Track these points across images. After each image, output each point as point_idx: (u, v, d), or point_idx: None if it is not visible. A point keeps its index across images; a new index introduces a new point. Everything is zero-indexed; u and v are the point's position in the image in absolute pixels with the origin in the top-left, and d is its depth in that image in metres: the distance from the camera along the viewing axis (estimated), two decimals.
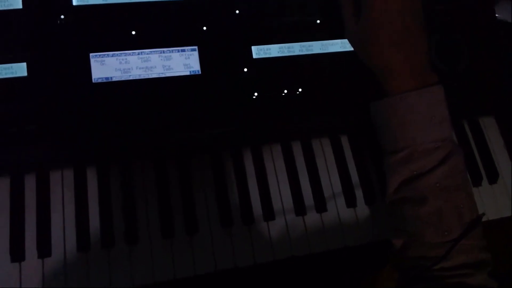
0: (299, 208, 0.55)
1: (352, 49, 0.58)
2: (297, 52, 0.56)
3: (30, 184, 0.51)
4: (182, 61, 0.53)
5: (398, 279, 0.49)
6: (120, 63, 0.52)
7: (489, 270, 0.45)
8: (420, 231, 0.45)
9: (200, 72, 0.53)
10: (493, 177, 0.62)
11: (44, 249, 0.49)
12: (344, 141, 0.59)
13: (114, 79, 0.52)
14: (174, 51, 0.53)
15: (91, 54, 0.51)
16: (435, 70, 0.50)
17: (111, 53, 0.52)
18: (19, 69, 0.50)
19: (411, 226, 0.46)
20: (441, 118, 0.46)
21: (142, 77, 0.52)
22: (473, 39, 0.60)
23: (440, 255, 0.44)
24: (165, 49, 0.53)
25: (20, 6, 0.50)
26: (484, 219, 0.57)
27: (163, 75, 0.53)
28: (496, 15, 0.65)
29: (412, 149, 0.45)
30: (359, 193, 0.58)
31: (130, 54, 0.52)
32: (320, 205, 0.56)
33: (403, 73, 0.47)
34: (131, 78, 0.52)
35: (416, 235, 0.46)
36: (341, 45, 0.57)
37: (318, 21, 0.57)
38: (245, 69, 0.54)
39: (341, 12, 0.51)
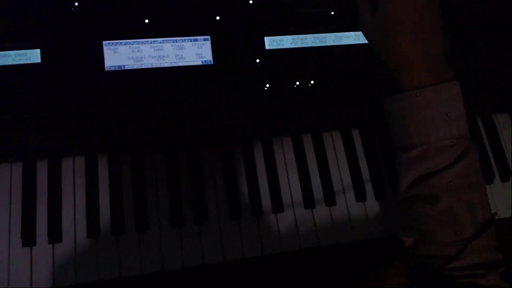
0: (308, 201, 0.55)
1: (366, 42, 0.57)
2: (310, 44, 0.56)
3: (42, 170, 0.51)
4: (195, 51, 0.53)
5: (409, 277, 0.49)
6: (133, 51, 0.52)
7: (501, 270, 0.44)
8: (431, 230, 0.45)
9: (212, 62, 0.53)
10: (506, 175, 0.61)
11: (55, 235, 0.49)
12: (355, 135, 0.59)
13: (126, 68, 0.52)
14: (186, 40, 0.53)
15: (104, 42, 0.51)
16: (449, 65, 0.49)
17: (124, 41, 0.52)
18: (33, 56, 0.50)
19: (422, 225, 0.45)
20: (457, 114, 0.45)
21: (154, 66, 0.52)
22: (489, 34, 0.59)
23: (451, 254, 0.43)
24: (177, 38, 0.53)
25: None
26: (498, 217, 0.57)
27: (175, 64, 0.53)
28: None
29: (427, 146, 0.44)
30: (368, 188, 0.57)
31: (143, 42, 0.52)
32: (329, 199, 0.56)
33: (419, 68, 0.45)
34: (143, 66, 0.52)
35: (427, 234, 0.45)
36: (355, 38, 0.56)
37: (332, 13, 0.56)
38: (257, 60, 0.54)
39: (356, 4, 0.50)
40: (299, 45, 0.55)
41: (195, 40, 0.53)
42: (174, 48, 0.53)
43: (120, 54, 0.52)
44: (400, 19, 0.45)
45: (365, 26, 0.50)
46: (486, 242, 0.44)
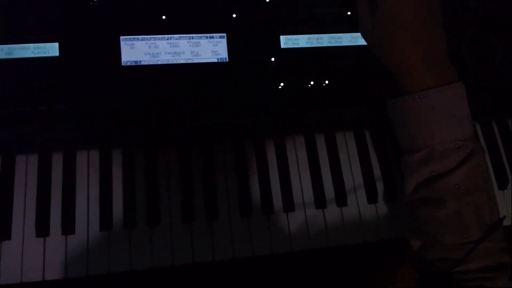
0: (320, 201, 0.55)
1: None
2: (325, 44, 0.55)
3: (57, 162, 0.52)
4: (210, 48, 0.54)
5: (418, 280, 0.48)
6: (149, 47, 0.52)
7: (510, 273, 0.44)
8: (439, 233, 0.44)
9: (227, 60, 0.53)
10: None
11: (68, 226, 0.50)
12: (368, 135, 0.59)
13: (142, 63, 0.52)
14: (202, 37, 0.53)
15: (121, 37, 0.52)
16: (463, 66, 0.48)
17: (141, 37, 0.52)
18: (52, 49, 0.51)
19: (429, 228, 0.45)
20: (462, 116, 0.44)
21: (170, 62, 0.53)
22: (507, 36, 0.58)
23: (459, 257, 0.43)
24: (194, 35, 0.53)
25: None
26: (507, 223, 0.56)
27: (191, 61, 0.53)
28: None
29: (432, 149, 0.43)
30: (380, 189, 0.57)
31: (159, 38, 0.53)
32: (341, 199, 0.56)
33: (422, 69, 0.44)
34: (159, 62, 0.52)
35: (435, 237, 0.44)
36: None
37: (349, 13, 0.56)
38: (273, 59, 0.54)
39: (356, 5, 0.49)
40: (314, 44, 0.55)
41: (211, 37, 0.54)
42: (190, 45, 0.53)
43: (137, 50, 0.52)
44: (399, 20, 0.44)
45: (364, 27, 0.48)
46: (494, 244, 0.43)
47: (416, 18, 0.44)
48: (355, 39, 0.56)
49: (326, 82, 0.55)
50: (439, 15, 0.46)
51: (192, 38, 0.53)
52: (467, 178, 0.43)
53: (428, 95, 0.43)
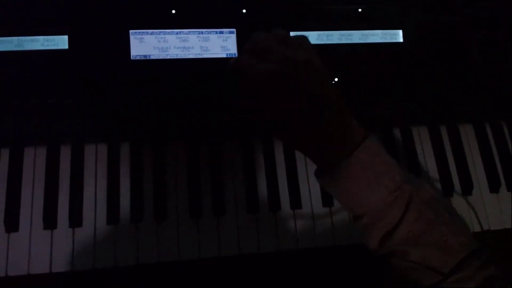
0: (327, 199, 0.55)
1: (392, 40, 0.57)
2: (335, 41, 0.55)
3: (65, 155, 0.52)
4: (220, 43, 0.53)
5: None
6: (159, 41, 0.52)
7: (500, 285, 0.41)
8: (416, 278, 0.43)
9: (236, 55, 0.53)
10: None
11: (75, 219, 0.50)
12: (378, 136, 0.58)
13: (151, 57, 0.52)
14: (212, 32, 0.53)
15: (131, 31, 0.52)
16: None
17: (150, 31, 0.52)
18: (61, 42, 0.51)
19: (407, 275, 0.44)
20: (386, 168, 0.42)
21: (179, 56, 0.52)
22: None
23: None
24: (203, 30, 0.53)
25: None
26: (499, 227, 0.56)
27: (200, 56, 0.53)
28: None
29: (372, 212, 0.42)
30: None
31: (169, 33, 0.52)
32: None
33: (323, 154, 0.42)
34: (168, 57, 0.52)
35: (415, 281, 0.43)
36: (381, 36, 0.56)
37: (360, 10, 0.56)
38: None
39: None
40: (324, 41, 0.55)
41: (221, 32, 0.53)
42: (199, 40, 0.53)
43: (146, 44, 0.52)
44: (280, 124, 0.41)
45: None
46: (475, 263, 0.41)
47: (295, 119, 0.40)
48: (365, 36, 0.56)
49: (335, 79, 0.55)
50: (326, 98, 0.41)
51: (202, 33, 0.53)
52: (417, 221, 0.41)
53: (343, 166, 0.41)
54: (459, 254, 0.41)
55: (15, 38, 0.50)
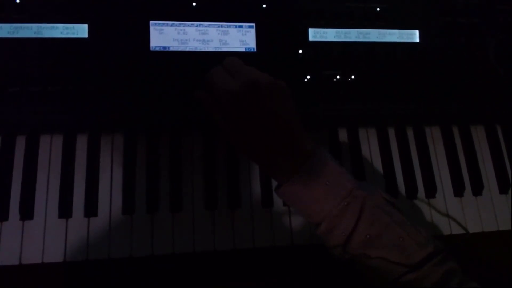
0: None
1: (408, 40, 0.57)
2: (353, 39, 0.56)
3: (81, 144, 0.52)
4: (239, 37, 0.54)
5: None
6: (178, 33, 0.52)
7: (460, 277, 0.43)
8: (384, 276, 0.44)
9: (255, 50, 0.53)
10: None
11: (91, 209, 0.50)
12: (391, 133, 0.59)
13: (171, 49, 0.52)
14: (231, 26, 0.53)
15: (151, 22, 0.52)
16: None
17: (170, 22, 0.52)
18: (81, 30, 0.51)
19: (373, 276, 0.45)
20: (335, 176, 0.44)
21: (198, 49, 0.53)
22: None
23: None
24: (223, 24, 0.53)
25: None
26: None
27: (219, 50, 0.53)
28: None
29: (328, 219, 0.44)
30: (401, 188, 0.57)
31: (188, 25, 0.53)
32: None
33: (276, 170, 0.46)
34: (187, 49, 0.52)
35: (381, 278, 0.45)
36: (398, 35, 0.56)
37: (378, 9, 0.56)
38: (300, 51, 0.54)
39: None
40: (342, 39, 0.55)
41: (240, 26, 0.54)
42: (219, 33, 0.53)
43: (166, 35, 0.52)
44: (239, 144, 0.46)
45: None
46: (435, 259, 0.43)
47: (252, 146, 0.45)
48: (382, 35, 0.56)
49: (352, 77, 0.55)
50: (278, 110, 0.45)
51: (221, 27, 0.53)
52: (372, 224, 0.43)
53: (296, 180, 0.44)
54: (417, 253, 0.43)
55: (34, 25, 0.50)
